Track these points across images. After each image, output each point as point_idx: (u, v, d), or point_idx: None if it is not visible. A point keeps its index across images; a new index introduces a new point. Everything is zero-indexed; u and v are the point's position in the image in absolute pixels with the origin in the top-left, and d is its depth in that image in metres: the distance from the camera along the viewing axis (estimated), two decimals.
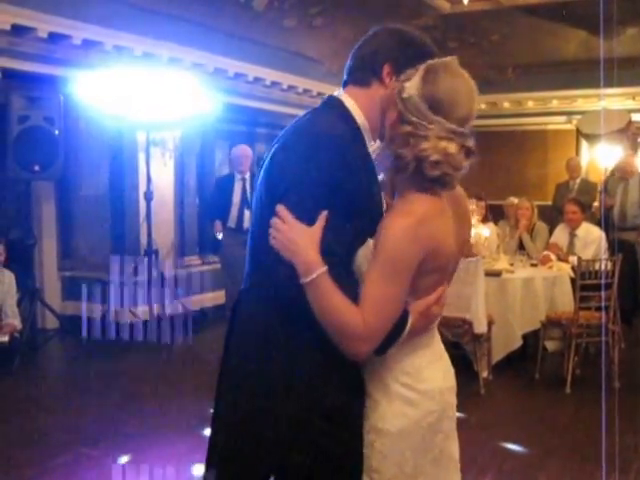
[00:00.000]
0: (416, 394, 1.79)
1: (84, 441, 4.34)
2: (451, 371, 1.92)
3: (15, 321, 6.10)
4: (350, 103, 1.87)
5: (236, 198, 7.22)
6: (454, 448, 1.91)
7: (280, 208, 1.69)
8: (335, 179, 1.69)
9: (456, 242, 1.80)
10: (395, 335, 1.72)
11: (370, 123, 1.85)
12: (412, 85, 1.71)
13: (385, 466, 1.78)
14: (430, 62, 1.75)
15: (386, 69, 1.86)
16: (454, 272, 1.91)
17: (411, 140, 1.69)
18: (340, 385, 1.77)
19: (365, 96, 1.87)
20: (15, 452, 4.22)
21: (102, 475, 3.88)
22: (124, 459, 4.10)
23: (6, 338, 5.88)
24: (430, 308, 1.77)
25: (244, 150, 7.41)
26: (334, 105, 1.88)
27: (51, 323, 7.37)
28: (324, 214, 1.67)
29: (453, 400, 1.90)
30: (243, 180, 7.30)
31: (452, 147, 1.70)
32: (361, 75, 1.89)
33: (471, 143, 1.75)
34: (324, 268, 1.65)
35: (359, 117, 1.85)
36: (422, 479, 1.81)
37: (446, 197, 1.79)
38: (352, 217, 1.71)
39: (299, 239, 1.66)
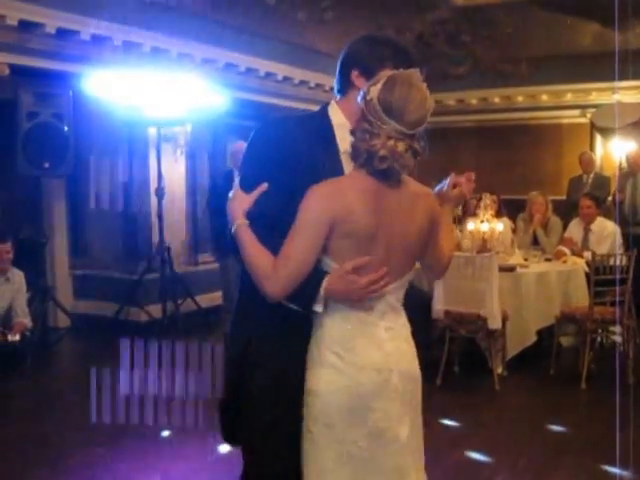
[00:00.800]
0: (344, 364, 1.99)
1: (98, 441, 4.32)
2: (399, 358, 2.07)
3: (25, 320, 6.05)
4: (333, 107, 2.22)
5: None
6: (402, 432, 2.05)
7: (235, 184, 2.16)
8: (272, 162, 2.08)
9: (387, 229, 2.01)
10: (311, 289, 1.97)
11: (352, 123, 2.11)
12: (374, 89, 1.99)
13: (316, 427, 2.00)
14: (393, 73, 2.03)
15: (354, 73, 2.17)
16: (384, 254, 2.02)
17: (367, 136, 1.98)
18: (285, 351, 2.07)
19: (345, 102, 2.20)
20: (29, 452, 4.20)
21: (116, 475, 3.86)
22: (139, 459, 4.07)
23: (17, 337, 5.84)
24: (347, 274, 1.95)
25: (241, 146, 7.32)
26: (317, 110, 2.27)
27: (63, 322, 7.36)
28: (261, 186, 2.05)
29: (401, 385, 2.05)
30: None
31: (400, 146, 1.97)
32: (339, 84, 2.24)
33: (419, 145, 2.03)
34: (243, 221, 2.03)
35: (338, 118, 2.18)
36: (353, 448, 1.99)
37: (403, 193, 2.07)
38: (291, 189, 2.01)
39: (234, 202, 2.09)
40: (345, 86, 2.21)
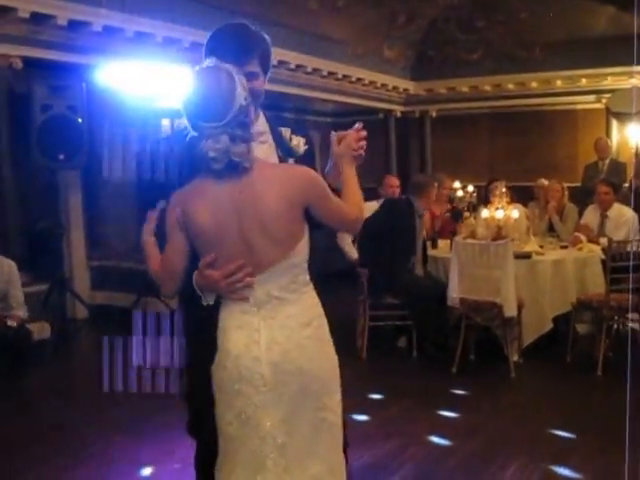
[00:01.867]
0: (220, 348, 2.13)
1: (117, 430, 4.36)
2: (271, 349, 2.06)
3: (20, 312, 5.80)
4: None
5: None
6: (266, 421, 2.05)
7: None
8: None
9: (234, 224, 2.05)
10: (187, 281, 2.14)
11: None
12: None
13: (215, 393, 2.15)
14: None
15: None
16: (243, 247, 2.08)
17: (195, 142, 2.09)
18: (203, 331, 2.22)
19: None
20: (48, 441, 4.25)
21: (135, 464, 3.89)
22: (157, 448, 4.10)
23: (15, 324, 5.69)
24: (203, 270, 2.08)
25: None
26: None
27: (81, 313, 7.41)
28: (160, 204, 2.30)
29: (271, 376, 2.05)
30: None
31: (221, 142, 1.99)
32: None
33: (241, 129, 2.01)
34: (148, 239, 2.32)
35: None
36: (226, 427, 2.11)
37: (250, 182, 2.05)
38: None
39: (145, 223, 2.41)
40: None
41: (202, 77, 2.04)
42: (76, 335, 6.97)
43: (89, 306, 7.26)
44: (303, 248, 2.11)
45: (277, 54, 8.46)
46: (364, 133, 2.33)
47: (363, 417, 4.49)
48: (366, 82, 10.49)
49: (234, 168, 2.03)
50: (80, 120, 6.32)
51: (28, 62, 6.41)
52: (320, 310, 2.18)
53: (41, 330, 6.40)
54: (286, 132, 2.41)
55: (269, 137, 2.40)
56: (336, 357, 2.19)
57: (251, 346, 2.06)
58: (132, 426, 4.39)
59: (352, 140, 2.30)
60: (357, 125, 2.33)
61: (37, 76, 6.42)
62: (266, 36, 2.40)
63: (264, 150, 2.30)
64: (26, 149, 6.19)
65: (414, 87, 11.66)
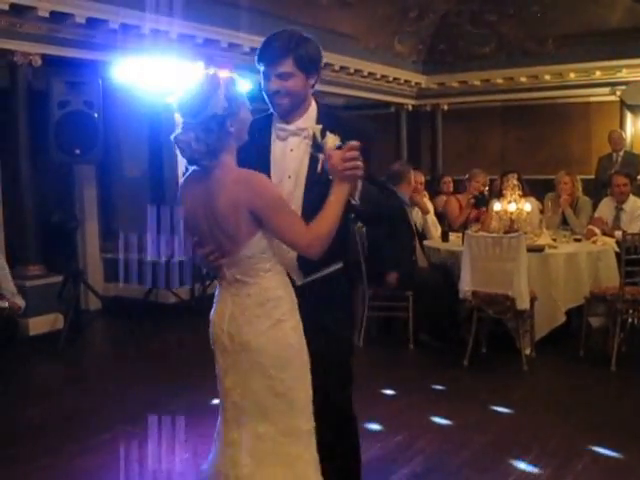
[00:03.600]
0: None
1: (127, 419, 4.42)
2: (230, 322, 2.36)
3: (17, 300, 5.80)
4: None
5: None
6: (226, 383, 2.40)
7: None
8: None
9: (198, 213, 2.33)
10: None
11: None
12: None
13: None
14: None
15: None
16: (209, 233, 2.34)
17: None
18: None
19: None
20: (59, 430, 4.32)
21: (144, 452, 3.94)
22: (167, 437, 4.15)
23: (6, 304, 5.62)
24: (196, 249, 2.39)
25: None
26: None
27: (94, 304, 7.49)
28: None
29: (229, 345, 2.36)
30: None
31: (184, 136, 2.28)
32: None
33: (205, 133, 2.24)
34: None
35: None
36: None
37: (211, 180, 2.29)
38: None
39: None
40: None
41: (196, 79, 2.31)
42: (89, 326, 7.05)
43: (102, 298, 7.34)
44: (256, 244, 2.29)
45: None
46: (354, 153, 2.29)
47: (374, 409, 4.50)
48: (378, 76, 10.50)
49: (196, 164, 2.30)
50: (96, 116, 6.38)
51: (46, 59, 6.49)
52: (278, 293, 2.35)
53: (55, 321, 6.51)
54: (316, 129, 2.48)
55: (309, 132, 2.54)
56: (295, 337, 2.36)
57: (220, 317, 2.39)
58: (142, 416, 4.44)
59: (337, 160, 2.30)
60: (350, 143, 2.30)
61: (55, 73, 6.50)
62: (310, 40, 2.55)
63: (302, 145, 2.53)
64: (43, 144, 6.26)
65: (426, 81, 11.65)
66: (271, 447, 2.33)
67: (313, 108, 2.59)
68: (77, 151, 6.34)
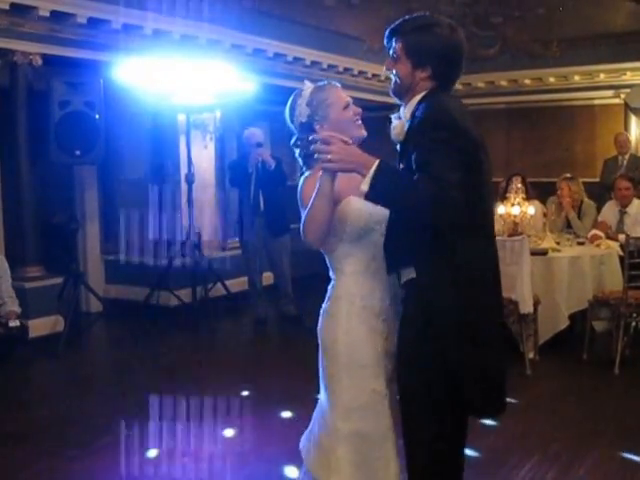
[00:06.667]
0: None
1: (127, 423, 4.38)
2: None
3: (15, 307, 5.85)
4: None
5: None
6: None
7: None
8: None
9: None
10: None
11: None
12: None
13: None
14: None
15: None
16: None
17: None
18: None
19: None
20: (59, 433, 4.29)
21: (145, 456, 3.92)
22: (167, 440, 4.12)
23: (18, 323, 5.71)
24: None
25: (253, 132, 7.17)
26: None
27: (95, 307, 7.46)
28: None
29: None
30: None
31: None
32: None
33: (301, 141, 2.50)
34: None
35: None
36: None
37: None
38: None
39: None
40: None
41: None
42: (90, 328, 7.02)
43: (103, 300, 7.31)
44: (331, 247, 2.44)
45: (293, 51, 8.59)
46: (319, 144, 2.22)
47: None
48: (382, 78, 10.46)
49: (308, 167, 2.48)
50: (97, 116, 6.35)
51: (47, 59, 6.47)
52: (339, 293, 2.46)
53: (55, 323, 6.48)
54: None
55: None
56: (342, 331, 2.42)
57: None
58: (142, 419, 4.41)
59: (318, 147, 2.23)
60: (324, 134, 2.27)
61: (55, 73, 6.48)
62: (433, 31, 2.33)
63: (399, 125, 2.36)
64: (44, 144, 6.24)
65: None
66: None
67: (414, 101, 2.34)
68: (78, 152, 6.31)
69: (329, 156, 2.18)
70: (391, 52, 2.38)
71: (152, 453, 3.97)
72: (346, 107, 2.50)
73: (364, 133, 2.51)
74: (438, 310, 2.20)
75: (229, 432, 4.26)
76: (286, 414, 4.52)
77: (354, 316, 2.41)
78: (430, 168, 2.08)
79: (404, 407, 2.33)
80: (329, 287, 2.51)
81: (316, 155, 2.22)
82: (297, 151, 2.53)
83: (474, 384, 2.25)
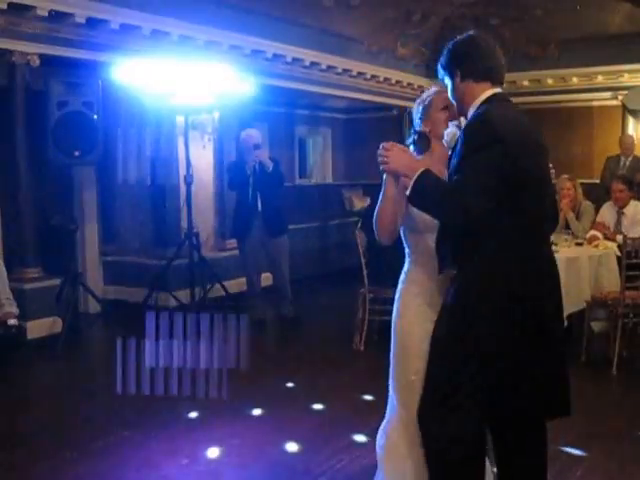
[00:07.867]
0: None
1: (126, 424, 4.38)
2: None
3: (12, 309, 5.84)
4: None
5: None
6: None
7: None
8: None
9: None
10: None
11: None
12: None
13: None
14: None
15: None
16: None
17: None
18: None
19: None
20: (57, 435, 4.27)
21: (143, 458, 3.91)
22: (165, 443, 4.12)
23: (16, 322, 5.72)
24: None
25: (250, 133, 7.17)
26: None
27: (93, 308, 7.45)
28: None
29: None
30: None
31: None
32: None
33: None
34: None
35: None
36: None
37: None
38: None
39: None
40: None
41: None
42: (88, 329, 7.00)
43: (101, 301, 7.30)
44: (405, 237, 2.82)
45: (292, 52, 8.58)
46: (381, 149, 2.62)
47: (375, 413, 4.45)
48: (380, 79, 10.48)
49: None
50: (95, 117, 6.35)
51: (45, 59, 6.47)
52: (406, 277, 2.84)
53: (53, 324, 6.47)
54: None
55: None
56: (403, 310, 2.81)
57: None
58: (140, 421, 4.41)
59: (380, 152, 2.64)
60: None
61: (53, 73, 6.47)
62: (450, 43, 2.67)
63: (452, 132, 2.69)
64: (42, 145, 6.22)
65: (428, 84, 11.61)
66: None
67: (470, 111, 2.60)
68: (76, 152, 6.31)
69: (385, 159, 2.58)
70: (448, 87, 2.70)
71: (150, 456, 3.95)
72: (443, 109, 2.79)
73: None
74: (471, 299, 2.49)
75: (229, 433, 4.26)
76: (286, 414, 4.53)
77: (415, 300, 2.77)
78: (458, 175, 2.40)
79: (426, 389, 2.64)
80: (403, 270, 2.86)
81: (379, 159, 2.61)
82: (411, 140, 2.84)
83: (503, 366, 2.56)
